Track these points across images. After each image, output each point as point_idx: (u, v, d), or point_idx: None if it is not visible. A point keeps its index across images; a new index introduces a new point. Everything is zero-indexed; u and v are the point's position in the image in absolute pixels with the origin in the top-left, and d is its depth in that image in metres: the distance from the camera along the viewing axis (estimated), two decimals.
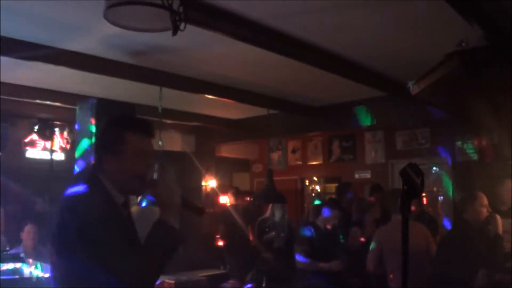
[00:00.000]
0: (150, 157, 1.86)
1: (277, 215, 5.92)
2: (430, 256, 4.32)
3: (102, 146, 1.88)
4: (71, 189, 1.78)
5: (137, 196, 1.99)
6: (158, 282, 4.97)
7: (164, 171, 1.90)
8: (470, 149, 6.84)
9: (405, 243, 1.61)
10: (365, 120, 7.12)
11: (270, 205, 6.05)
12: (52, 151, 6.72)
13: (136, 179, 1.82)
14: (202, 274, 6.37)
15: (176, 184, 1.88)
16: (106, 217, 1.69)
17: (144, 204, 2.87)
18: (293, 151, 8.86)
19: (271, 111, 7.36)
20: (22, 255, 4.77)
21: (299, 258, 5.07)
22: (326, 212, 5.12)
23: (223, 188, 8.42)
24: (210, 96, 6.18)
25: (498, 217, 4.28)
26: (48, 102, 6.39)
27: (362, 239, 5.19)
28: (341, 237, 5.19)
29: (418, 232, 4.40)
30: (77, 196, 1.75)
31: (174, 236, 1.77)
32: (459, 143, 6.94)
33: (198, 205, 1.97)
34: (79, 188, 1.78)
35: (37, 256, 5.16)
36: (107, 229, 1.65)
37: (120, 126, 1.87)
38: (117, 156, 1.82)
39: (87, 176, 1.87)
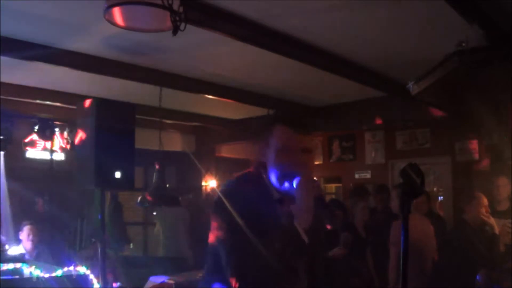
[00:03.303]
0: (294, 154, 1.81)
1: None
2: (432, 251, 4.31)
3: (260, 138, 1.92)
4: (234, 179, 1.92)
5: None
6: (161, 281, 4.99)
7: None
8: (470, 149, 6.84)
9: (405, 243, 1.61)
10: (365, 120, 7.13)
11: None
12: (52, 151, 6.72)
13: (280, 174, 1.81)
14: (202, 274, 6.35)
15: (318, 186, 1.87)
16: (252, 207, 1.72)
17: None
18: None
19: (271, 111, 7.35)
20: (22, 255, 4.77)
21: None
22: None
23: None
24: (210, 96, 6.18)
25: (492, 218, 4.31)
26: (48, 102, 6.38)
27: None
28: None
29: (425, 226, 4.37)
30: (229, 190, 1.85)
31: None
32: (459, 143, 6.94)
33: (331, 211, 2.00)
34: (238, 177, 1.90)
35: (37, 256, 5.17)
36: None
37: (273, 119, 1.92)
38: (269, 149, 1.85)
39: (252, 166, 1.94)
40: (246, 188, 1.82)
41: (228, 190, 1.85)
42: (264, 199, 1.80)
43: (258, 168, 1.91)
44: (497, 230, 4.25)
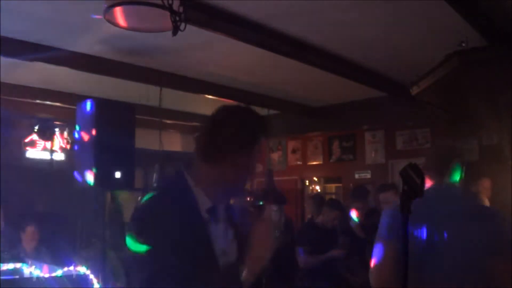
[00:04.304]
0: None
1: (274, 215, 5.93)
2: None
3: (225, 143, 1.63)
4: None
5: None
6: None
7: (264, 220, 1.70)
8: (470, 149, 6.84)
9: (405, 243, 1.60)
10: (365, 120, 7.13)
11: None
12: (52, 151, 6.72)
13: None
14: None
15: (272, 239, 1.63)
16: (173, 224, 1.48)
17: None
18: (293, 151, 8.85)
19: (271, 111, 7.36)
20: (22, 255, 4.76)
21: (299, 256, 5.07)
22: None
23: None
24: (210, 96, 6.18)
25: None
26: (48, 102, 6.39)
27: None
28: None
29: None
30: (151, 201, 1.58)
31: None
32: (459, 143, 6.94)
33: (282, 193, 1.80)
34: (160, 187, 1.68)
35: (37, 256, 5.16)
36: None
37: (256, 128, 1.69)
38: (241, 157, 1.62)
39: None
40: (169, 204, 1.52)
41: (150, 207, 1.55)
42: (194, 217, 1.54)
43: (183, 173, 1.63)
44: None
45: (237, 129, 1.62)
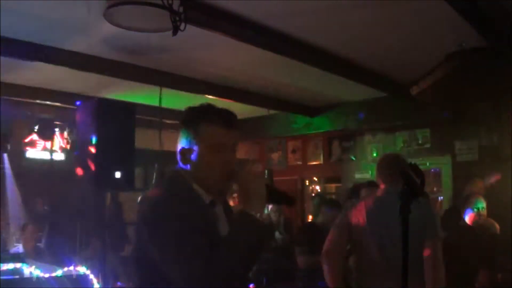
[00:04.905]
0: (227, 151, 1.69)
1: (273, 215, 5.95)
2: None
3: (181, 140, 1.73)
4: (150, 190, 1.72)
5: (223, 193, 1.78)
6: None
7: (247, 161, 1.72)
8: (470, 149, 6.83)
9: (405, 243, 1.61)
10: (365, 120, 7.12)
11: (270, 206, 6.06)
12: (52, 151, 6.72)
13: (214, 175, 1.68)
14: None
15: (262, 173, 1.70)
16: (183, 218, 1.55)
17: None
18: (293, 151, 8.85)
19: (271, 111, 7.36)
20: (22, 255, 4.77)
21: (299, 256, 5.07)
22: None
23: None
24: (210, 96, 6.18)
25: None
26: (48, 102, 6.39)
27: None
28: None
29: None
30: (154, 198, 1.66)
31: (260, 228, 1.58)
32: (459, 143, 6.93)
33: (287, 194, 1.74)
34: (158, 189, 1.73)
35: (37, 256, 5.16)
36: (182, 231, 1.53)
37: (195, 116, 1.73)
38: (195, 151, 1.69)
39: (168, 175, 1.78)
40: (174, 199, 1.61)
41: (157, 203, 1.62)
42: (196, 206, 1.64)
43: (176, 174, 1.73)
44: (498, 230, 4.26)
45: (186, 131, 1.73)
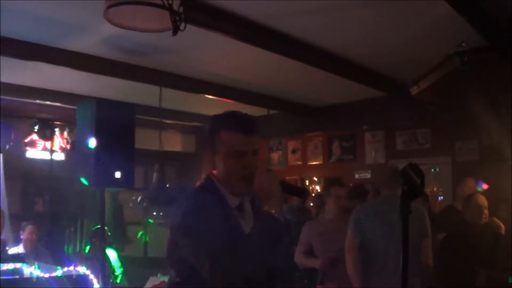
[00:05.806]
0: (248, 156, 1.79)
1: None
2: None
3: (206, 146, 1.88)
4: (186, 193, 1.87)
5: (248, 195, 1.89)
6: (161, 281, 4.98)
7: (259, 162, 1.87)
8: (470, 149, 6.84)
9: (405, 243, 1.60)
10: (365, 120, 7.13)
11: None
12: (52, 151, 6.72)
13: (237, 180, 1.79)
14: None
15: (273, 172, 1.89)
16: (208, 222, 1.69)
17: None
18: (293, 151, 8.85)
19: (271, 111, 7.36)
20: (22, 255, 4.76)
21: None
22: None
23: None
24: (210, 96, 6.18)
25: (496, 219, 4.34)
26: (48, 102, 6.39)
27: None
28: None
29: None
30: (185, 203, 1.79)
31: (277, 224, 1.83)
32: (459, 143, 6.93)
33: (300, 187, 1.98)
34: (192, 192, 1.87)
35: (37, 256, 5.16)
36: (208, 232, 1.67)
37: (217, 124, 1.84)
38: (218, 156, 1.81)
39: (202, 179, 1.90)
40: (205, 204, 1.75)
41: (189, 209, 1.75)
42: (223, 210, 1.77)
43: (208, 179, 1.86)
44: (503, 230, 4.27)
45: (208, 137, 1.86)
